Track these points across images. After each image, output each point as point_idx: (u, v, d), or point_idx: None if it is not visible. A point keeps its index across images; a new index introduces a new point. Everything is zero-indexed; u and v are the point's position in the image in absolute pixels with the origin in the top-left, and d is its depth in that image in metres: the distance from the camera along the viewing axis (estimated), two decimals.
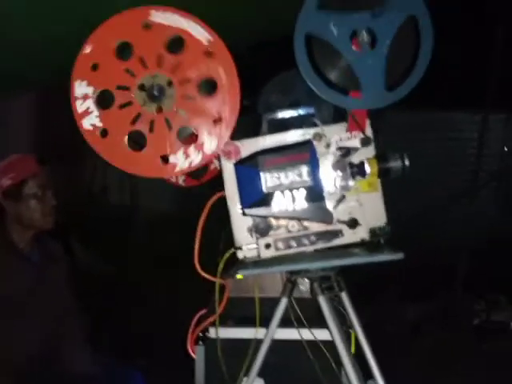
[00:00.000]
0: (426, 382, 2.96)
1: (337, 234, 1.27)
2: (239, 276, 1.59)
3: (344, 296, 1.33)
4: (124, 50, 1.24)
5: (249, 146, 1.29)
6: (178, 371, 1.84)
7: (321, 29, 1.21)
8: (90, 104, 1.23)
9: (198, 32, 1.22)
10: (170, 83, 1.24)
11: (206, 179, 2.30)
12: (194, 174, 2.34)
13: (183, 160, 1.27)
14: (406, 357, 3.11)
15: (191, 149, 1.27)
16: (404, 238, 1.38)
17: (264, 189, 1.25)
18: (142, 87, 1.23)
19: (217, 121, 1.26)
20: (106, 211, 4.71)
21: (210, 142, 1.27)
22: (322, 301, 1.29)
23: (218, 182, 1.40)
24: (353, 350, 1.50)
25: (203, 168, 2.31)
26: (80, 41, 1.22)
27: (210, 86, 1.29)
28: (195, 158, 1.27)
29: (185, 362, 1.69)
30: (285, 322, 1.50)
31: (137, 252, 4.39)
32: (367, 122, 1.29)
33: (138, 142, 1.27)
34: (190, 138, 1.31)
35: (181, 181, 2.36)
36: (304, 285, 1.60)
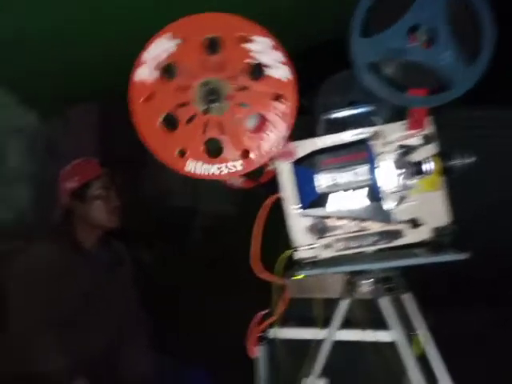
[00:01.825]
0: None
1: (398, 234, 1.25)
2: (300, 276, 1.59)
3: (407, 298, 1.30)
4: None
5: (305, 147, 1.29)
6: (239, 372, 1.85)
7: (378, 53, 1.18)
8: (151, 69, 1.22)
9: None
10: (221, 83, 1.24)
11: (263, 181, 2.32)
12: (251, 175, 2.37)
13: (200, 165, 1.25)
14: (473, 359, 3.00)
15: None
16: (469, 238, 1.34)
17: (321, 189, 1.25)
18: (198, 98, 1.24)
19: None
20: (167, 214, 4.81)
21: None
22: (384, 302, 1.27)
23: (274, 183, 1.40)
24: (418, 352, 1.46)
25: (260, 169, 2.33)
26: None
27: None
28: (212, 169, 1.25)
29: (246, 363, 1.71)
30: (346, 323, 1.50)
31: (197, 254, 4.46)
32: (429, 119, 1.26)
33: (172, 124, 1.27)
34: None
35: (239, 183, 2.39)
36: (364, 286, 1.58)
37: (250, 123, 1.26)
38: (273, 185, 1.41)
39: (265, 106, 1.22)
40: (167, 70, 1.26)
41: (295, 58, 1.24)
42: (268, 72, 1.20)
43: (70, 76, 2.84)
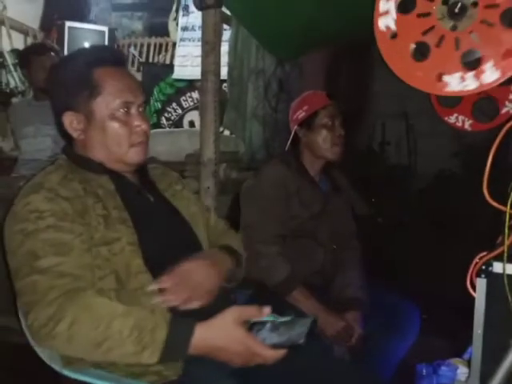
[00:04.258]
0: None
1: None
2: None
3: None
4: None
5: None
6: (455, 310, 1.82)
7: None
8: (391, 5, 1.27)
9: None
10: (475, 4, 1.21)
11: (496, 124, 2.17)
12: (482, 117, 2.24)
13: (458, 82, 1.22)
14: None
15: (469, 74, 1.22)
16: None
17: None
18: (445, 1, 1.23)
19: (507, 54, 1.18)
20: (382, 169, 4.80)
21: (492, 72, 1.19)
22: None
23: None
24: None
25: (494, 111, 2.19)
26: None
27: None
28: (470, 84, 1.21)
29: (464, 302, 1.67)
30: None
31: (413, 211, 4.38)
32: None
33: (423, 53, 1.28)
34: (474, 63, 1.27)
35: (467, 125, 2.28)
36: None
37: (467, 57, 1.22)
38: None
39: (490, 51, 1.17)
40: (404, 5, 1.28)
41: None
42: None
43: (307, 25, 2.96)
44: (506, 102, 2.10)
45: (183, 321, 1.18)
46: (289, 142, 2.13)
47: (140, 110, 1.38)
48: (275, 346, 1.13)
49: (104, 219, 1.28)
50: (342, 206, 2.16)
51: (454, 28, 1.24)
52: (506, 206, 1.38)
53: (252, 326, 1.17)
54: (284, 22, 2.78)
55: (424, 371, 1.74)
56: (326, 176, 2.15)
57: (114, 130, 1.34)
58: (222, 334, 1.16)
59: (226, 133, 3.63)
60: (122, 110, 1.34)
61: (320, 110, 2.04)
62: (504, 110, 2.13)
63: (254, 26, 3.01)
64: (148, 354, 1.13)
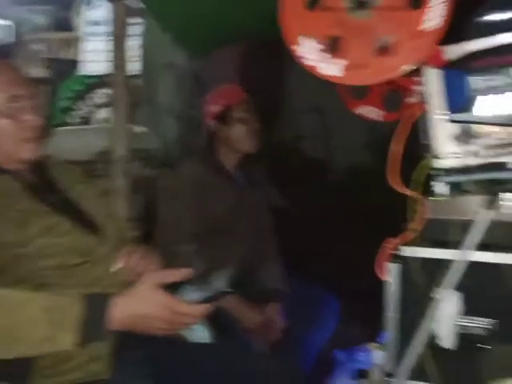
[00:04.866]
0: None
1: None
2: (439, 197, 1.56)
3: None
4: None
5: (455, 51, 1.24)
6: (367, 297, 1.87)
7: None
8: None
9: None
10: None
11: (404, 114, 2.25)
12: (389, 106, 2.31)
13: (373, 70, 1.26)
14: None
15: (386, 59, 1.25)
16: None
17: (470, 93, 1.20)
18: None
19: (417, 35, 1.22)
20: (299, 163, 4.86)
21: (408, 53, 1.23)
22: None
23: None
24: None
25: (399, 100, 2.27)
26: None
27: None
28: (387, 70, 1.25)
29: (375, 289, 1.72)
30: (487, 246, 1.44)
31: (329, 203, 4.47)
32: None
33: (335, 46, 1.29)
34: (387, 49, 1.30)
35: (378, 116, 2.34)
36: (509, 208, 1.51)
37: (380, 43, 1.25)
38: None
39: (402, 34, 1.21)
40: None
41: None
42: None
43: (218, 19, 2.93)
44: (411, 93, 2.18)
45: (99, 294, 1.13)
46: (204, 136, 2.10)
47: (30, 103, 1.31)
48: (201, 302, 1.10)
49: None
50: (259, 200, 2.16)
51: (362, 17, 1.26)
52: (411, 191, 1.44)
53: (173, 288, 1.12)
54: (194, 15, 2.74)
55: (341, 358, 1.78)
56: (243, 170, 2.14)
57: (0, 126, 1.27)
58: (142, 301, 1.10)
59: (139, 129, 3.54)
60: (8, 105, 1.27)
61: (235, 104, 2.03)
62: (409, 100, 2.21)
63: (164, 19, 2.95)
64: (63, 335, 1.05)
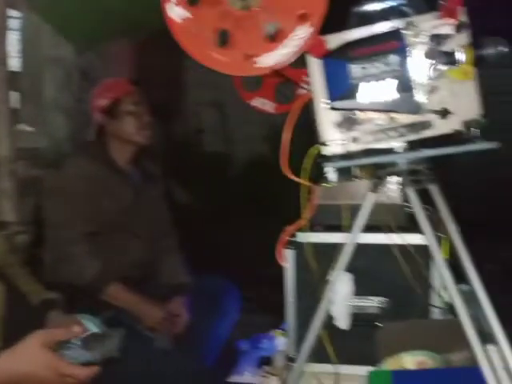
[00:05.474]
0: None
1: (427, 125, 1.24)
2: (328, 183, 1.62)
3: (434, 189, 1.30)
4: None
5: (335, 40, 1.28)
6: (268, 285, 1.91)
7: None
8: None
9: None
10: None
11: (296, 105, 2.30)
12: (282, 97, 2.36)
13: (266, 58, 1.27)
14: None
15: (275, 46, 1.26)
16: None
17: (351, 80, 1.24)
18: None
19: (302, 17, 1.25)
20: (199, 156, 4.85)
21: (295, 38, 1.25)
22: (411, 193, 1.27)
23: None
24: (445, 254, 1.47)
25: (291, 92, 2.32)
26: None
27: None
28: (279, 56, 1.26)
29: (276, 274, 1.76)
30: (374, 228, 1.51)
31: (230, 196, 4.50)
32: (461, 9, 1.23)
33: (224, 39, 1.29)
34: (275, 36, 1.32)
35: (271, 108, 2.38)
36: (395, 191, 1.59)
37: (268, 30, 1.27)
38: None
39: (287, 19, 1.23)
40: None
41: None
42: None
43: (104, 11, 2.84)
44: (302, 84, 2.24)
45: None
46: (92, 131, 2.01)
47: None
48: (87, 364, 1.05)
49: None
50: (156, 195, 2.11)
51: (246, 7, 1.26)
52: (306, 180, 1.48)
53: (60, 346, 1.07)
54: (77, 7, 2.62)
55: (245, 347, 1.80)
56: (138, 165, 2.08)
57: None
58: (25, 360, 1.03)
59: (24, 127, 3.34)
60: None
61: (123, 97, 1.97)
62: (300, 92, 2.26)
63: (47, 11, 2.79)
64: None
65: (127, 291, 1.81)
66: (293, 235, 1.66)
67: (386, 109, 1.25)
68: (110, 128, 1.97)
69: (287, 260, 1.68)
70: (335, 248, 1.44)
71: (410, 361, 1.45)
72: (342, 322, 1.56)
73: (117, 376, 1.28)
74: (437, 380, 1.38)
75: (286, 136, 1.46)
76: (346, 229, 1.51)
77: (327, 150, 1.30)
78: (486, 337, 1.28)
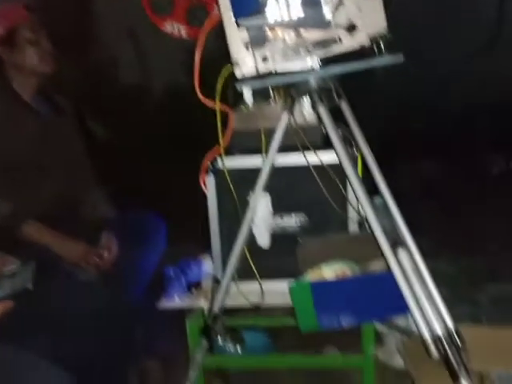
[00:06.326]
0: None
1: (335, 41, 1.24)
2: (245, 107, 1.61)
3: (343, 105, 1.32)
4: None
5: None
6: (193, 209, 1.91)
7: None
8: None
9: None
10: None
11: (207, 27, 2.23)
12: (196, 22, 2.28)
13: None
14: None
15: None
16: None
17: None
18: None
19: None
20: (115, 88, 4.66)
21: None
22: (322, 111, 1.28)
23: None
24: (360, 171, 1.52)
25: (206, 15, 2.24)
26: None
27: None
28: None
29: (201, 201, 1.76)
30: (291, 148, 1.53)
31: (148, 129, 4.40)
32: None
33: None
34: None
35: (183, 33, 2.30)
36: (309, 112, 1.61)
37: None
38: None
39: None
40: None
41: None
42: None
43: None
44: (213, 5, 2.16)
45: None
46: None
47: None
48: (1, 299, 1.04)
49: None
50: (67, 128, 2.02)
51: None
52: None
53: None
54: None
55: (172, 273, 1.82)
56: (45, 99, 1.97)
57: None
58: None
59: None
60: None
61: (19, 25, 1.83)
62: (213, 13, 2.19)
63: None
64: None
65: (46, 229, 1.77)
66: (213, 162, 1.66)
67: (295, 25, 1.24)
68: (10, 59, 1.84)
69: (208, 186, 1.69)
70: (254, 172, 1.46)
71: (329, 271, 1.52)
72: (264, 240, 1.61)
73: (39, 312, 1.28)
74: (354, 287, 1.46)
75: (197, 58, 1.42)
76: (265, 152, 1.52)
77: (239, 71, 1.29)
78: (398, 244, 1.36)
